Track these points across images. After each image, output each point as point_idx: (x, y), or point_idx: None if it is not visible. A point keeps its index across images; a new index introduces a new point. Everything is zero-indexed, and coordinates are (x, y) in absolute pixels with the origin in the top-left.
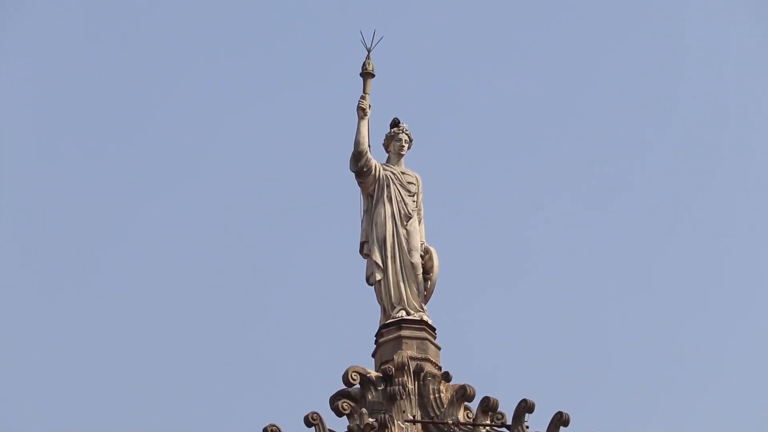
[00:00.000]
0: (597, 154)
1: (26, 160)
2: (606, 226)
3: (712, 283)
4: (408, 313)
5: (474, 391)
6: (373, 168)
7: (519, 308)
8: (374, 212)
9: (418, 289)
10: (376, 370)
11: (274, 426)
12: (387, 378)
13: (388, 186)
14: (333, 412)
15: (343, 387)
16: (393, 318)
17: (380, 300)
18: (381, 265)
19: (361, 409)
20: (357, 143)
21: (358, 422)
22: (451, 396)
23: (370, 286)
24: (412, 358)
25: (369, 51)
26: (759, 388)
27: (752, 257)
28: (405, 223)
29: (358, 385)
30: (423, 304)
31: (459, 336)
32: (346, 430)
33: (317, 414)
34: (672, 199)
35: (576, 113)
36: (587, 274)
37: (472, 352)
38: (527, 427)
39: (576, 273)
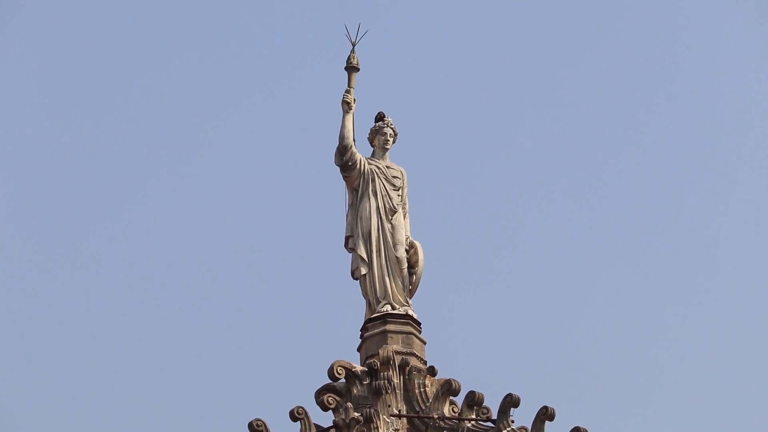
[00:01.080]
0: (586, 148)
1: (22, 156)
2: (595, 220)
3: (704, 276)
4: (393, 308)
5: (459, 386)
6: (358, 162)
7: (505, 303)
8: (359, 206)
9: (403, 283)
10: (362, 365)
11: (260, 420)
12: (372, 372)
13: (373, 180)
14: (318, 407)
15: (329, 381)
16: (378, 312)
17: (365, 294)
18: (366, 259)
19: (346, 403)
20: (342, 137)
21: (343, 416)
22: (437, 390)
23: (355, 281)
24: (398, 353)
25: (354, 45)
26: (752, 381)
27: (746, 249)
28: (390, 217)
29: (343, 380)
30: (408, 299)
31: (444, 330)
32: (332, 424)
33: (303, 408)
34: (663, 192)
35: (564, 106)
36: (574, 269)
37: (458, 347)
38: (512, 422)
39: (563, 268)
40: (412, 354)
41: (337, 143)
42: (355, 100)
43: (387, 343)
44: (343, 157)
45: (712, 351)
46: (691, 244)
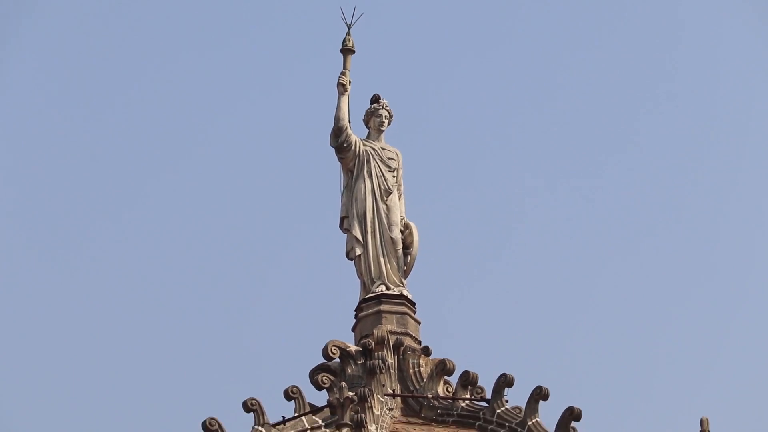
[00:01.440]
0: (586, 128)
1: (17, 155)
2: (594, 201)
3: (706, 256)
4: (388, 288)
5: (454, 366)
6: (353, 144)
7: (501, 283)
8: (354, 187)
9: (398, 263)
10: (356, 345)
11: (213, 419)
12: (367, 352)
13: (368, 162)
14: (313, 386)
15: (323, 361)
16: (373, 293)
17: (360, 275)
18: (361, 239)
19: (340, 382)
20: (337, 119)
21: (337, 396)
22: (431, 370)
23: (350, 261)
24: (392, 333)
25: (349, 27)
26: (754, 367)
27: (748, 231)
28: (385, 198)
29: (337, 359)
30: (403, 279)
31: (439, 311)
32: (326, 403)
33: (297, 388)
34: (665, 179)
35: (565, 85)
36: (573, 250)
37: (453, 327)
38: (506, 402)
39: (560, 248)
40: (407, 334)
41: (332, 125)
42: (350, 82)
43: (381, 323)
44: (338, 138)
45: (712, 333)
46: (695, 223)
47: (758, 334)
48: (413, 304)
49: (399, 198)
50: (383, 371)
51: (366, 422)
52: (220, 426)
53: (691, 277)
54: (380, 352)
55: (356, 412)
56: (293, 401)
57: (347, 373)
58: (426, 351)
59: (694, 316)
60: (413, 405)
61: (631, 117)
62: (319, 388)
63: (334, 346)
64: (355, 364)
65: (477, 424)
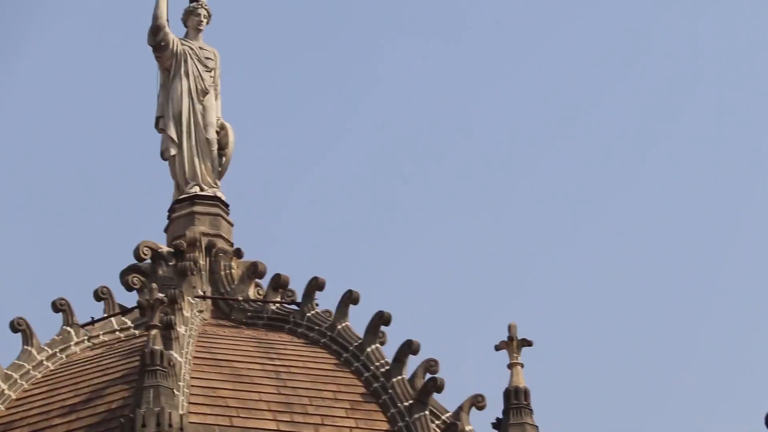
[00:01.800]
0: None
1: None
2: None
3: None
4: (202, 189)
5: (265, 268)
6: (171, 43)
7: (315, 187)
8: (170, 87)
9: (212, 165)
10: (168, 246)
11: (22, 319)
12: (178, 253)
13: (186, 61)
14: (123, 287)
15: (134, 262)
16: (186, 194)
17: (174, 175)
18: (176, 140)
19: (151, 284)
20: (155, 17)
21: (147, 297)
22: (242, 273)
23: (164, 161)
24: (205, 234)
25: None
26: (565, 271)
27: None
28: (201, 98)
29: (149, 261)
30: (217, 180)
31: (253, 213)
32: (136, 304)
33: (107, 288)
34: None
35: None
36: (386, 153)
37: (266, 230)
38: (317, 305)
39: (377, 151)
40: (219, 236)
41: (150, 24)
42: None
43: (194, 225)
44: (156, 37)
45: (521, 237)
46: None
47: (567, 238)
48: (227, 205)
49: (216, 98)
50: (194, 273)
51: (175, 324)
52: (27, 326)
53: (499, 181)
54: (192, 254)
55: (166, 314)
56: (103, 302)
57: (158, 274)
58: (238, 253)
59: (506, 219)
60: (223, 307)
61: None
62: (129, 289)
63: (145, 246)
64: (167, 265)
65: (287, 327)
